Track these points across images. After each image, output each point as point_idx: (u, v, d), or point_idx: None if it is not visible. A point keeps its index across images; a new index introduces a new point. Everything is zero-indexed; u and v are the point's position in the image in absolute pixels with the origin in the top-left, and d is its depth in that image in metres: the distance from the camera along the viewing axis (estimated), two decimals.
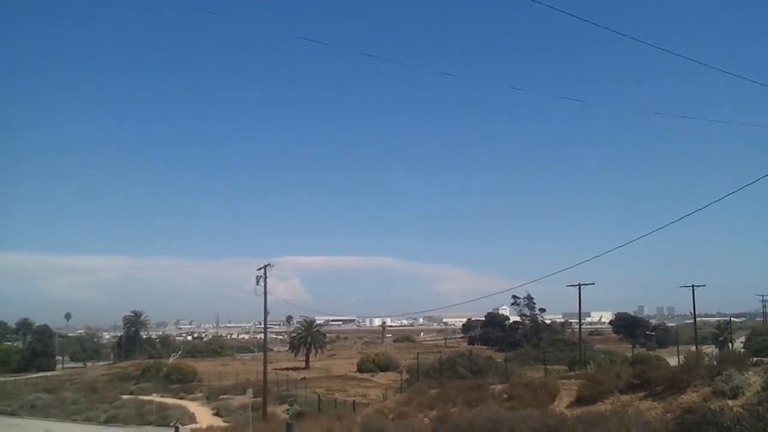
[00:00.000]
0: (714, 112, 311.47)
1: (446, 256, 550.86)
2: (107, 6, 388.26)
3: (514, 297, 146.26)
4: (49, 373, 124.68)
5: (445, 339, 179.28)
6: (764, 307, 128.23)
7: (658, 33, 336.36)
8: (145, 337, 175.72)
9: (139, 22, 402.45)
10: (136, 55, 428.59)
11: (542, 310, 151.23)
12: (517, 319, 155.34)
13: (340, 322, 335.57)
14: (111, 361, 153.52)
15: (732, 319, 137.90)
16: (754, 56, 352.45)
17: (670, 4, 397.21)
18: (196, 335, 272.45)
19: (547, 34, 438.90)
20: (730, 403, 23.36)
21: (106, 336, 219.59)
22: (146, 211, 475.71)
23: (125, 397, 73.55)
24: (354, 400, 60.05)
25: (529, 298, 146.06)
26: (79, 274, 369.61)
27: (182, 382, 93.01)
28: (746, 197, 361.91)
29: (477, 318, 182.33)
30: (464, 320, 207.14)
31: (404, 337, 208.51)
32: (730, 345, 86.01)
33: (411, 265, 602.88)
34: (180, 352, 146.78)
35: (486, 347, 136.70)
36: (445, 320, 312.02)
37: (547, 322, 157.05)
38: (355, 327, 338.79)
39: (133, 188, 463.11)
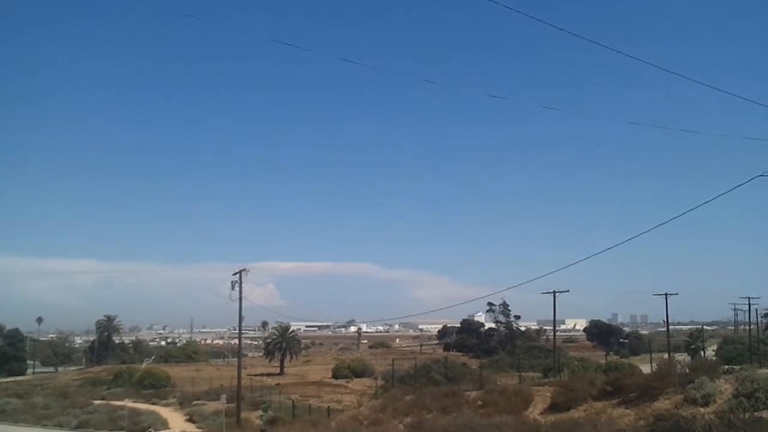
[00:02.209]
0: (694, 120, 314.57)
1: (424, 263, 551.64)
2: (101, 8, 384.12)
3: (490, 304, 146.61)
4: (19, 378, 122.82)
5: (421, 345, 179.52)
6: (736, 315, 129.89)
7: (641, 41, 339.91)
8: (117, 341, 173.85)
9: (114, 24, 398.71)
10: (115, 58, 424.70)
11: (517, 317, 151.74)
12: (493, 326, 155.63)
13: (315, 328, 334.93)
14: (83, 366, 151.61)
15: (704, 327, 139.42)
16: (739, 65, 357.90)
17: (654, 12, 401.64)
18: (169, 340, 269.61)
19: (527, 42, 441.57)
20: (702, 410, 23.66)
21: (78, 340, 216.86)
22: (121, 215, 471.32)
23: (97, 402, 72.69)
24: (329, 407, 59.96)
25: (505, 305, 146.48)
26: (52, 277, 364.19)
27: (155, 387, 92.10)
28: (720, 207, 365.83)
29: (452, 325, 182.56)
30: (440, 327, 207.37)
31: (380, 344, 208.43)
32: (702, 353, 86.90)
33: (388, 271, 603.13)
34: (153, 357, 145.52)
35: (461, 354, 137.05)
36: (420, 327, 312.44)
37: (522, 329, 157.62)
38: (330, 333, 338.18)
39: (108, 192, 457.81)
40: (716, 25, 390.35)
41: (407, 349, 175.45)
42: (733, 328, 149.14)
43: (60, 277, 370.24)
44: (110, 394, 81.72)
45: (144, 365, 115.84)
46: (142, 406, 69.29)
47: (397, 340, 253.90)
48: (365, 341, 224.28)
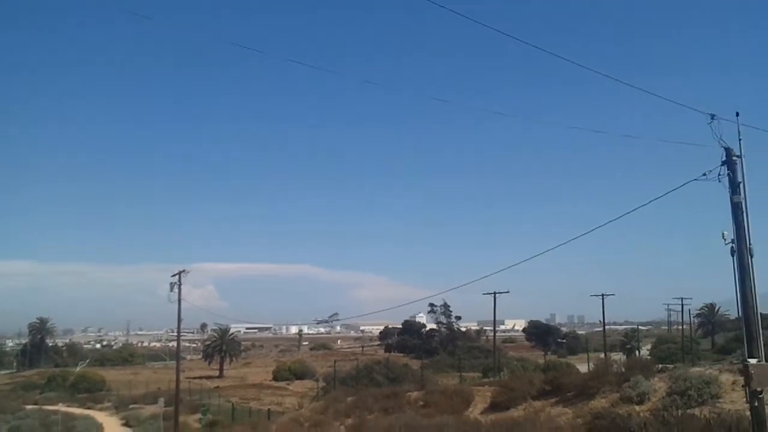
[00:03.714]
0: (636, 123, 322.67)
1: (364, 264, 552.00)
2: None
3: (431, 305, 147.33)
4: None
5: (362, 347, 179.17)
6: (669, 315, 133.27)
7: (590, 46, 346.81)
8: (51, 344, 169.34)
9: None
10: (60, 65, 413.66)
11: (458, 318, 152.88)
12: (434, 326, 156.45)
13: (255, 330, 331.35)
14: (14, 370, 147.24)
15: (639, 327, 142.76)
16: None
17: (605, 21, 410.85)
18: (105, 343, 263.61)
19: (474, 47, 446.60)
20: (638, 408, 24.23)
21: (10, 343, 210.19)
22: (57, 216, 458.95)
23: (29, 407, 70.72)
24: (269, 409, 59.47)
25: (446, 306, 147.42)
26: None
27: (90, 391, 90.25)
28: (655, 210, 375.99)
29: (394, 326, 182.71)
30: (381, 328, 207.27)
31: (321, 345, 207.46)
32: (637, 352, 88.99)
33: (329, 272, 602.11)
34: (88, 361, 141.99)
35: (403, 355, 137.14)
36: (362, 328, 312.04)
37: (463, 329, 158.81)
38: (270, 335, 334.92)
39: (44, 193, 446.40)
40: (675, 29, 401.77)
41: (349, 350, 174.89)
42: (666, 328, 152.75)
43: None
44: (43, 399, 79.70)
45: (78, 369, 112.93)
46: (77, 410, 67.66)
47: (339, 341, 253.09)
48: (306, 343, 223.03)
